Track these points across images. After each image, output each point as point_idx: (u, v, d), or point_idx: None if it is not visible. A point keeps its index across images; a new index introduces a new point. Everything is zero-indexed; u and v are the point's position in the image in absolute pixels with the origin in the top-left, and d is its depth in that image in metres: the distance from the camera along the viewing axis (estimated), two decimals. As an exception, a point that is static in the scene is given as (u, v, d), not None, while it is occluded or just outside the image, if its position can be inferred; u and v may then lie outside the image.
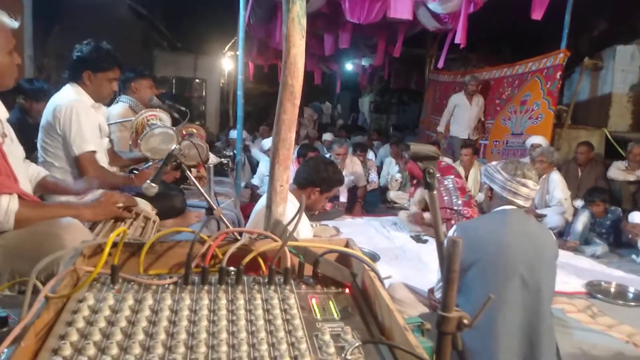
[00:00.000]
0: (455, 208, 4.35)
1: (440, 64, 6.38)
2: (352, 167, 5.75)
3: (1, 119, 1.62)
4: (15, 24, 1.55)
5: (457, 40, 5.33)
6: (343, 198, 5.61)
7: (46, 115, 2.38)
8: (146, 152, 2.53)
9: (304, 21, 1.27)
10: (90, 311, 0.82)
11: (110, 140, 2.96)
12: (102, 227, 1.65)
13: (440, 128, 6.84)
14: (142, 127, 2.73)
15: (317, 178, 2.52)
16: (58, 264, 1.29)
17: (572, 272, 3.75)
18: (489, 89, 7.00)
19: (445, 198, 4.40)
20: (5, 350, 0.66)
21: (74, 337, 0.74)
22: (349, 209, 5.60)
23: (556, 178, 4.72)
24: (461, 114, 6.66)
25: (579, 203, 4.91)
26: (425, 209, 4.75)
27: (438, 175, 4.41)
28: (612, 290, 3.40)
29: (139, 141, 2.49)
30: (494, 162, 2.15)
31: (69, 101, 2.34)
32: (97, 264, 0.90)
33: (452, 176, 4.54)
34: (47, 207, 1.69)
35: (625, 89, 6.85)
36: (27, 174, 1.81)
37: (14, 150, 1.66)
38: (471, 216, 4.25)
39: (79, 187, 1.92)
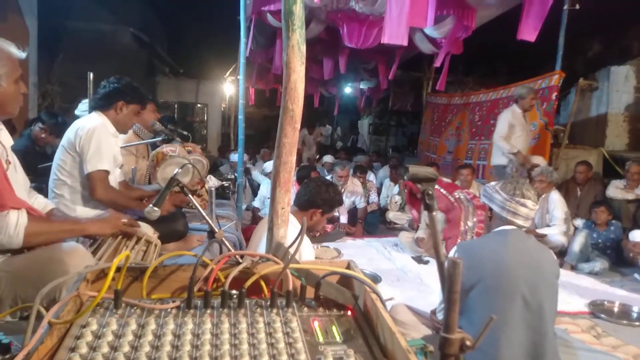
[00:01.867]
0: (470, 224, 4.22)
1: (441, 87, 6.41)
2: (352, 188, 5.78)
3: (5, 146, 1.64)
4: (22, 55, 1.60)
5: (436, 63, 5.46)
6: (344, 219, 5.61)
7: (68, 134, 2.47)
8: (161, 180, 2.61)
9: (303, 48, 1.31)
10: (94, 337, 0.82)
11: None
12: (104, 251, 1.65)
13: (514, 148, 5.11)
14: (162, 157, 2.90)
15: (318, 199, 2.54)
16: (61, 290, 1.30)
17: (574, 291, 3.72)
18: (486, 110, 7.07)
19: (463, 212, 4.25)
20: (10, 376, 0.66)
21: (78, 362, 0.74)
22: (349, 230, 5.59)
23: (556, 197, 4.73)
24: (518, 136, 5.17)
25: (579, 222, 4.91)
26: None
27: (443, 192, 4.33)
28: (616, 309, 3.37)
29: (156, 168, 2.59)
30: (492, 182, 2.17)
31: (94, 124, 2.45)
32: (101, 289, 0.90)
33: (460, 191, 4.43)
34: (54, 221, 1.70)
35: (621, 108, 6.93)
36: (35, 205, 1.82)
37: (18, 178, 1.67)
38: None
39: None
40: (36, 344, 0.73)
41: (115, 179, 2.63)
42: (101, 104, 2.58)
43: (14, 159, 1.68)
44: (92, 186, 2.38)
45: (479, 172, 6.77)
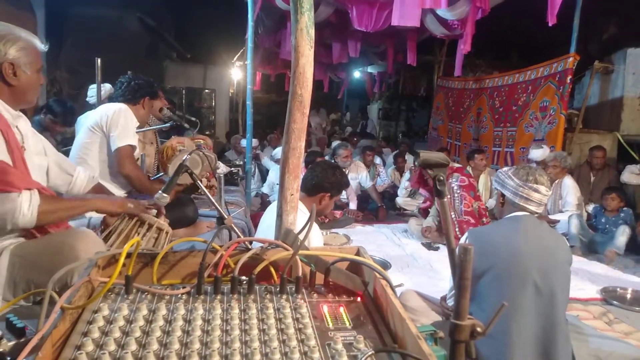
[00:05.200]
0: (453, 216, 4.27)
1: (457, 72, 6.30)
2: (356, 171, 5.76)
3: (23, 133, 1.68)
4: (44, 48, 1.69)
5: (464, 50, 5.34)
6: (353, 205, 5.60)
7: (94, 116, 2.62)
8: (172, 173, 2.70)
9: (312, 31, 1.29)
10: (105, 322, 0.83)
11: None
12: (116, 238, 1.66)
13: None
14: (172, 152, 3.06)
15: (326, 183, 2.53)
16: (73, 275, 1.32)
17: (587, 278, 3.70)
18: (505, 96, 6.95)
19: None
20: (24, 360, 0.67)
21: (90, 347, 0.75)
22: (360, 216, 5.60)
23: (569, 183, 4.67)
24: None
25: (591, 208, 4.86)
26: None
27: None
28: (628, 296, 3.34)
29: (167, 164, 2.74)
30: (505, 168, 2.14)
31: (121, 107, 2.62)
32: (112, 274, 0.91)
33: (459, 174, 4.44)
34: (65, 200, 1.75)
35: (637, 92, 6.76)
36: (78, 181, 1.96)
37: (34, 161, 1.71)
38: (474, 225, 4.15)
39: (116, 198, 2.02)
40: (50, 328, 0.74)
41: None
42: (129, 98, 2.75)
43: (29, 144, 1.71)
44: (120, 161, 2.51)
45: (506, 159, 6.69)
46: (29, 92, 1.66)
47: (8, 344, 0.89)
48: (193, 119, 3.71)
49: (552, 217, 4.63)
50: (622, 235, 4.19)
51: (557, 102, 5.71)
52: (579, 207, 4.65)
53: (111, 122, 2.53)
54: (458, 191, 4.32)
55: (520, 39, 9.63)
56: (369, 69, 10.75)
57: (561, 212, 4.68)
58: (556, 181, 4.65)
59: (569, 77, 5.54)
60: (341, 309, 0.93)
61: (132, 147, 2.58)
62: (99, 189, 2.04)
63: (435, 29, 6.09)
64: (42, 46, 1.68)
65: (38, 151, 1.77)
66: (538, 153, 5.09)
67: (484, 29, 5.52)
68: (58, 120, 4.19)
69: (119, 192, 2.60)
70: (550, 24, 4.29)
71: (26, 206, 1.49)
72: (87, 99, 3.80)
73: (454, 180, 4.38)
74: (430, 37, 6.95)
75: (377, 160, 7.03)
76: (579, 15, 5.40)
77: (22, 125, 1.71)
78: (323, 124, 10.83)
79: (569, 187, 4.64)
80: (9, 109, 1.61)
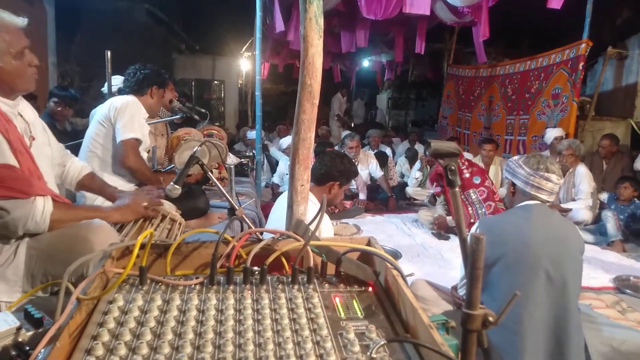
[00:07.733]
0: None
1: (481, 59, 6.21)
2: (366, 161, 5.74)
3: (28, 121, 1.64)
4: (21, 23, 1.47)
5: (482, 36, 5.27)
6: (362, 196, 5.59)
7: (102, 109, 2.64)
8: (179, 164, 2.72)
9: (321, 21, 1.28)
10: (120, 312, 0.84)
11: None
12: (129, 229, 1.68)
13: None
14: (178, 141, 3.05)
15: (335, 172, 2.52)
16: (88, 266, 1.34)
17: (599, 266, 3.67)
18: (518, 83, 6.87)
19: (470, 210, 4.28)
20: (42, 350, 0.68)
21: (106, 337, 0.76)
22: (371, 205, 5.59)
23: (582, 171, 4.61)
24: None
25: (605, 196, 4.80)
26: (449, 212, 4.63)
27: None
28: (642, 285, 3.32)
29: (174, 154, 2.75)
30: (515, 157, 2.12)
31: (128, 99, 2.63)
32: (126, 265, 0.92)
33: (475, 189, 4.39)
34: (78, 208, 1.75)
35: (652, 78, 6.63)
36: (71, 170, 1.93)
37: (43, 151, 1.69)
38: None
39: (113, 190, 1.99)
40: (66, 319, 0.75)
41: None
42: (136, 89, 2.75)
43: (37, 133, 1.66)
44: (124, 153, 2.51)
45: (519, 147, 6.63)
46: (17, 81, 1.50)
47: (27, 334, 0.91)
48: (203, 110, 3.72)
49: (564, 205, 4.59)
50: (609, 222, 4.18)
51: (570, 90, 5.63)
52: (592, 196, 4.59)
53: (117, 114, 2.54)
54: (479, 206, 4.24)
55: (531, 26, 9.44)
56: (382, 58, 10.63)
57: (574, 200, 4.63)
58: (570, 169, 4.60)
59: (582, 64, 5.44)
60: (353, 299, 0.94)
61: (137, 140, 2.57)
62: (92, 179, 1.99)
63: (446, 16, 6.01)
64: (18, 21, 1.45)
65: (44, 142, 1.73)
66: (554, 132, 5.10)
67: (495, 16, 5.43)
68: (60, 102, 4.16)
69: (127, 185, 2.59)
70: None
71: (39, 214, 1.48)
72: (102, 89, 3.84)
73: (472, 194, 4.31)
74: (440, 24, 6.85)
75: (387, 151, 7.00)
76: (592, 0, 5.28)
77: (27, 113, 1.64)
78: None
79: (583, 175, 4.59)
80: (5, 100, 1.50)
